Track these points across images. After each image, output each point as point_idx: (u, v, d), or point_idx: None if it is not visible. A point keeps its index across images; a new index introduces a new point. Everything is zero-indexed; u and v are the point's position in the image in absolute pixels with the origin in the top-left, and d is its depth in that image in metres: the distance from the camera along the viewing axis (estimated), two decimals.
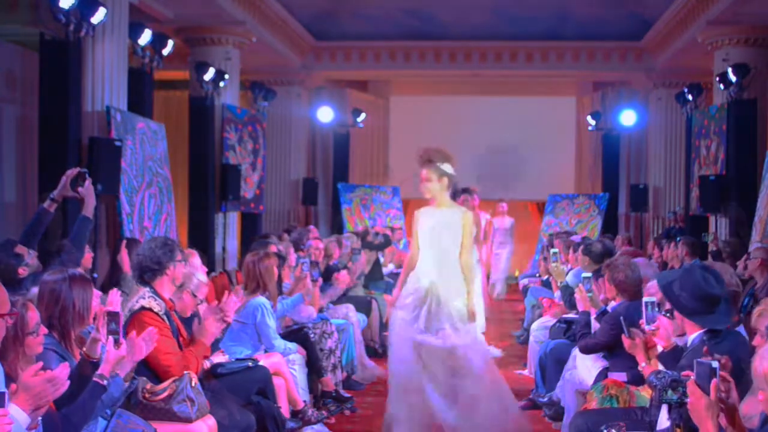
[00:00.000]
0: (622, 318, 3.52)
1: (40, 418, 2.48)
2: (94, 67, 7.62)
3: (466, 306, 4.75)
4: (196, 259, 4.99)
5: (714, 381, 2.36)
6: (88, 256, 5.27)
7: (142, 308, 3.77)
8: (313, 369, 5.47)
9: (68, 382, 2.43)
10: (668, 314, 3.44)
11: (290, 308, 5.63)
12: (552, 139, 15.28)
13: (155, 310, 3.78)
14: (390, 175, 15.71)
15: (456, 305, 4.71)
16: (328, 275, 6.92)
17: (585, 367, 4.76)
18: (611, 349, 4.34)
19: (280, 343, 5.06)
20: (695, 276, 3.14)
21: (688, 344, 3.27)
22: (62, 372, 2.40)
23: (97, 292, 3.55)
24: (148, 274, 3.93)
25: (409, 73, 14.74)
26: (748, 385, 2.72)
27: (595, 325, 4.82)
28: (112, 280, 5.46)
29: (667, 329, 3.40)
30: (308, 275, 5.82)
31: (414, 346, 4.64)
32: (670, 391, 2.70)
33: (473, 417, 4.58)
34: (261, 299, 4.99)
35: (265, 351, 5.04)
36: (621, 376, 4.27)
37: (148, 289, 3.88)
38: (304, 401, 5.03)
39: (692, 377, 2.61)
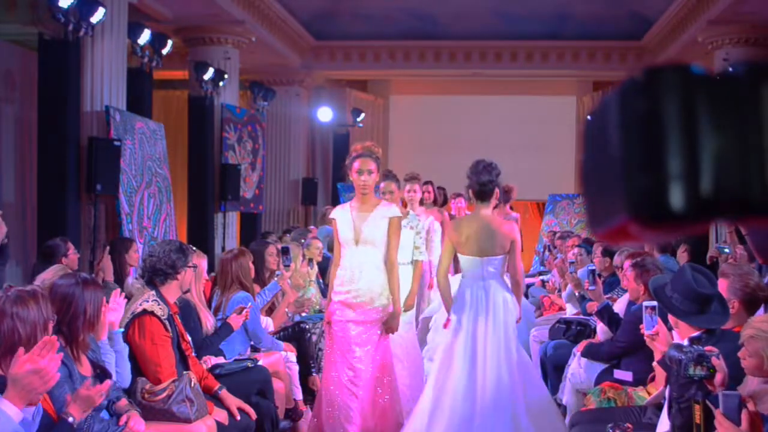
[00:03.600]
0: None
1: (34, 409, 2.46)
2: (93, 66, 7.61)
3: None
4: (203, 263, 4.99)
5: (744, 412, 2.37)
6: (75, 257, 5.24)
7: (145, 311, 3.75)
8: (303, 366, 5.44)
9: (58, 375, 2.40)
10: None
11: (270, 295, 5.56)
12: (552, 139, 15.25)
13: (158, 314, 3.75)
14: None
15: None
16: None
17: (587, 365, 4.75)
18: (633, 350, 4.28)
19: (267, 338, 5.05)
20: (686, 277, 3.13)
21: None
22: (50, 364, 2.35)
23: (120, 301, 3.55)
24: (160, 277, 3.90)
25: (409, 72, 14.73)
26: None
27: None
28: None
29: (666, 334, 3.38)
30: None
31: None
32: (693, 367, 2.67)
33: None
34: (242, 293, 4.97)
35: (254, 347, 5.03)
36: (626, 376, 4.26)
37: (153, 292, 3.85)
38: (295, 399, 5.03)
39: (717, 352, 2.63)
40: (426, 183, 7.05)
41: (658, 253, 6.74)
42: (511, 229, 4.57)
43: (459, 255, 4.58)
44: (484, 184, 4.46)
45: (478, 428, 4.25)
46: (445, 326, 4.71)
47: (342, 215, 4.44)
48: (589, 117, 0.81)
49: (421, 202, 6.67)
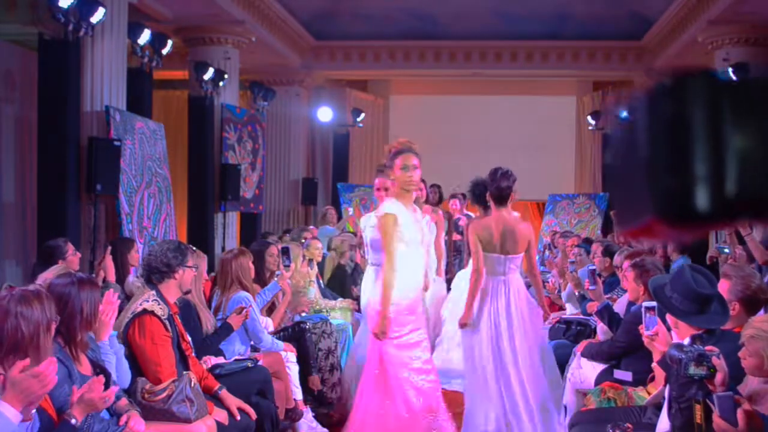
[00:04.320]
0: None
1: (35, 411, 2.46)
2: (93, 66, 7.61)
3: None
4: (203, 263, 4.99)
5: (739, 411, 2.37)
6: (75, 258, 5.23)
7: (145, 311, 3.75)
8: (303, 366, 5.44)
9: (56, 378, 2.41)
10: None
11: (270, 295, 5.57)
12: (552, 139, 15.26)
13: (158, 313, 3.75)
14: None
15: None
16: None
17: (587, 365, 4.76)
18: (633, 350, 4.29)
19: (267, 338, 5.04)
20: (685, 277, 3.13)
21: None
22: (48, 368, 2.36)
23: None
24: (156, 275, 3.91)
25: (409, 72, 14.73)
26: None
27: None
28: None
29: (666, 334, 3.38)
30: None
31: None
32: (694, 366, 2.66)
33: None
34: (243, 293, 4.96)
35: (254, 347, 5.03)
36: (626, 376, 4.26)
37: (153, 292, 3.86)
38: (295, 399, 5.03)
39: (717, 352, 2.63)
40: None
41: (678, 254, 6.75)
42: (528, 229, 4.99)
43: (483, 252, 4.86)
44: (502, 189, 4.86)
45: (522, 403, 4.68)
46: (461, 326, 4.89)
47: (402, 212, 4.16)
48: (616, 120, 0.83)
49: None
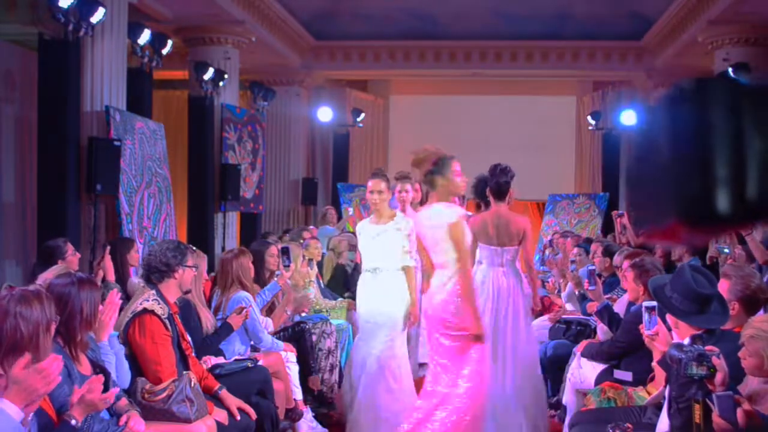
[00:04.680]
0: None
1: (32, 414, 2.46)
2: (93, 66, 7.61)
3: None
4: (203, 263, 5.00)
5: (739, 411, 2.38)
6: (74, 258, 5.23)
7: (145, 310, 3.75)
8: (303, 366, 5.44)
9: (60, 378, 2.40)
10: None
11: (270, 295, 5.56)
12: (552, 139, 15.26)
13: (158, 313, 3.76)
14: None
15: None
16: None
17: (587, 365, 4.76)
18: (633, 350, 4.29)
19: (267, 338, 5.04)
20: (685, 277, 3.14)
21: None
22: (52, 365, 2.35)
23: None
24: (155, 275, 3.92)
25: (409, 72, 14.72)
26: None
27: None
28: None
29: (666, 334, 3.38)
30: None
31: None
32: (694, 366, 2.66)
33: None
34: (243, 293, 4.96)
35: (254, 347, 5.03)
36: (626, 376, 4.26)
37: (153, 291, 3.86)
38: (295, 399, 5.03)
39: (717, 352, 2.64)
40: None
41: (690, 256, 6.75)
42: (524, 221, 5.21)
43: (480, 245, 5.12)
44: (501, 185, 5.12)
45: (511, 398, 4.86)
46: None
47: None
48: (637, 123, 0.85)
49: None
